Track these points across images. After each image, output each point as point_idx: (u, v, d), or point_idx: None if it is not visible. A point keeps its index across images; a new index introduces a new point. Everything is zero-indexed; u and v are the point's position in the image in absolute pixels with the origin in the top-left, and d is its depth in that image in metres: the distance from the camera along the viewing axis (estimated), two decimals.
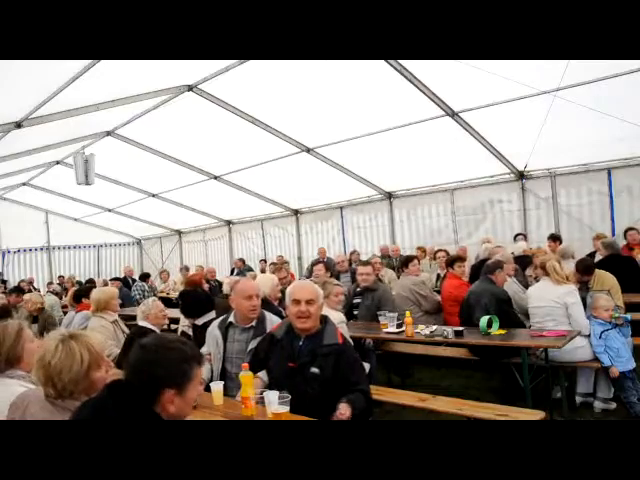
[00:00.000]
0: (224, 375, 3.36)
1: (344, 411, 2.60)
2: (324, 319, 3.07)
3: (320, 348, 2.89)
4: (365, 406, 2.79)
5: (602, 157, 8.14)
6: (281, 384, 2.69)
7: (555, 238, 7.82)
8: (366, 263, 5.91)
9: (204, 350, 3.51)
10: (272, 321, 3.42)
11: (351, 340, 3.98)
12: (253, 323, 3.39)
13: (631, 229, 7.28)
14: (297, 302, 2.97)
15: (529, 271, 6.16)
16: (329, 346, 2.90)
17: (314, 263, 6.46)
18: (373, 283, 5.53)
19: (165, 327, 6.38)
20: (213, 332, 3.51)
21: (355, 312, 5.51)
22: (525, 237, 8.73)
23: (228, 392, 3.09)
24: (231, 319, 3.46)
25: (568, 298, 4.38)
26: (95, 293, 5.07)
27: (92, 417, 1.63)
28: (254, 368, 2.90)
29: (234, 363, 3.34)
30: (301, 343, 2.96)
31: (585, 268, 5.14)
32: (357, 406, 2.68)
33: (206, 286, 7.04)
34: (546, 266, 4.58)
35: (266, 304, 3.98)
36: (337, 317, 3.89)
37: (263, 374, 3.02)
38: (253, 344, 3.28)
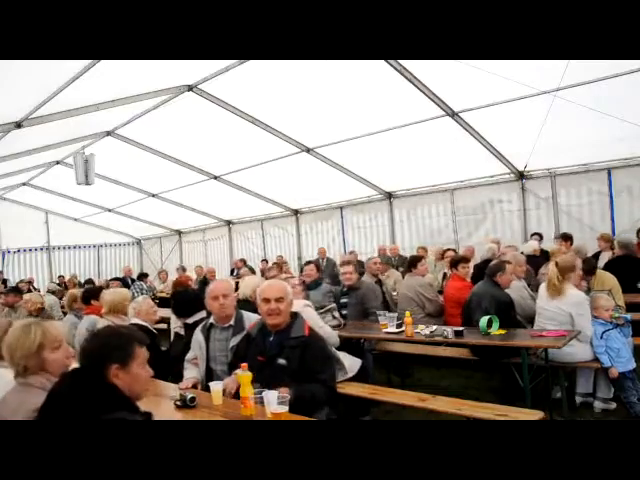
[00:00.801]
0: (210, 375, 3.46)
1: (282, 390, 2.68)
2: (294, 315, 3.24)
3: (287, 340, 3.08)
4: (323, 395, 2.97)
5: (602, 157, 8.14)
6: (253, 378, 2.77)
7: (566, 238, 7.75)
8: (347, 263, 5.99)
9: (190, 356, 3.69)
10: (249, 319, 3.56)
11: (328, 330, 4.17)
12: (231, 322, 3.55)
13: None
14: (267, 300, 3.14)
15: (543, 269, 5.92)
16: (296, 338, 3.08)
17: (305, 263, 6.50)
18: (356, 282, 5.61)
19: (164, 327, 6.37)
20: (196, 336, 3.67)
21: (344, 312, 5.54)
22: (541, 237, 8.52)
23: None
24: (212, 320, 3.63)
25: (575, 309, 4.25)
26: (109, 294, 4.73)
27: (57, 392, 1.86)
28: (235, 367, 3.04)
29: (218, 361, 3.50)
30: (272, 338, 3.15)
31: (590, 269, 5.09)
32: (306, 393, 2.84)
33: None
34: (549, 274, 4.48)
35: (247, 304, 4.21)
36: (300, 303, 4.06)
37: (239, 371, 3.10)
38: (234, 341, 3.44)
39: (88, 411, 1.72)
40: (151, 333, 4.14)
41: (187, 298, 4.65)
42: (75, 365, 2.15)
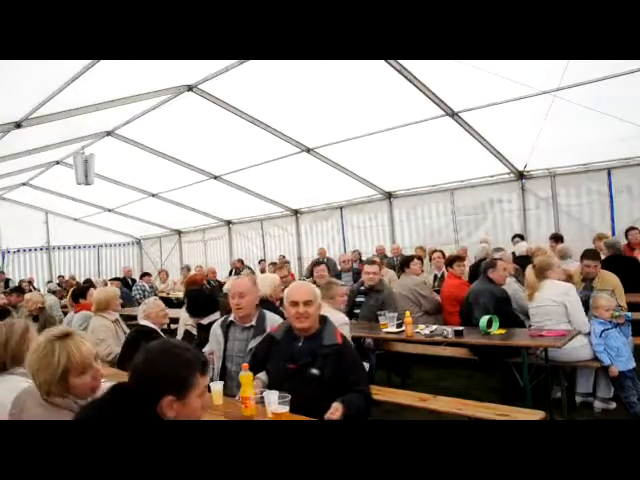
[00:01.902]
0: (224, 373, 3.38)
1: (334, 411, 2.59)
2: (323, 319, 3.07)
3: (320, 349, 2.90)
4: (364, 406, 2.79)
5: (602, 157, 8.15)
6: (281, 385, 2.67)
7: (557, 238, 7.81)
8: (373, 262, 5.79)
9: (207, 349, 3.54)
10: (272, 320, 3.43)
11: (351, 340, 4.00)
12: (253, 322, 3.40)
13: (633, 229, 7.28)
14: (295, 303, 2.98)
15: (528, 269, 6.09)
16: (329, 347, 2.90)
17: (315, 264, 6.39)
18: (379, 283, 5.45)
19: (165, 327, 6.38)
20: (215, 331, 3.53)
21: (356, 311, 5.47)
22: (522, 237, 8.70)
23: (228, 391, 3.10)
24: (232, 318, 3.49)
25: (566, 297, 4.37)
26: (97, 293, 5.08)
27: (92, 416, 1.65)
28: (253, 369, 2.90)
29: (234, 361, 3.35)
30: (300, 344, 2.96)
31: (593, 254, 5.15)
32: (352, 406, 2.67)
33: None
34: (527, 276, 4.66)
35: (267, 303, 3.99)
36: (340, 319, 3.89)
37: (263, 375, 3.03)
38: (253, 343, 3.30)
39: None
40: (158, 335, 4.16)
41: (204, 298, 4.55)
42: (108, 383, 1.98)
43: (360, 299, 5.52)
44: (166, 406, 1.65)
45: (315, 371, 2.85)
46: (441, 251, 7.92)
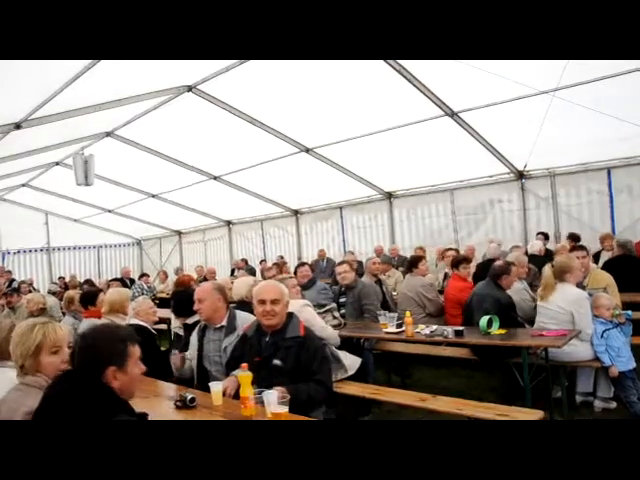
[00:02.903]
0: (205, 374, 3.50)
1: (274, 391, 2.67)
2: (289, 315, 3.25)
3: (282, 341, 3.11)
4: (321, 395, 3.00)
5: (602, 157, 8.15)
6: None
7: (574, 238, 7.76)
8: (341, 263, 6.03)
9: (188, 354, 3.72)
10: (243, 318, 3.61)
11: (329, 330, 4.19)
12: (224, 322, 3.59)
13: None
14: (262, 302, 3.17)
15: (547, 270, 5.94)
16: (291, 339, 3.11)
17: (299, 265, 6.52)
18: (352, 281, 5.62)
19: (164, 327, 6.38)
20: (193, 335, 3.73)
21: (342, 311, 5.55)
22: (546, 236, 8.53)
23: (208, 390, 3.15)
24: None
25: (576, 306, 4.26)
26: (110, 294, 4.85)
27: (52, 394, 1.86)
28: (232, 367, 3.12)
29: (212, 361, 3.54)
30: (267, 339, 3.17)
31: (580, 246, 5.18)
32: (300, 392, 2.84)
33: None
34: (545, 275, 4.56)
35: (243, 305, 4.25)
36: (299, 302, 4.11)
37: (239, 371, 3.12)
38: (226, 342, 3.49)
39: (86, 415, 1.71)
40: (150, 333, 4.15)
41: (186, 298, 4.61)
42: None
43: (343, 299, 5.67)
44: (110, 376, 1.87)
45: (277, 362, 3.05)
46: (456, 250, 7.90)
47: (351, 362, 4.16)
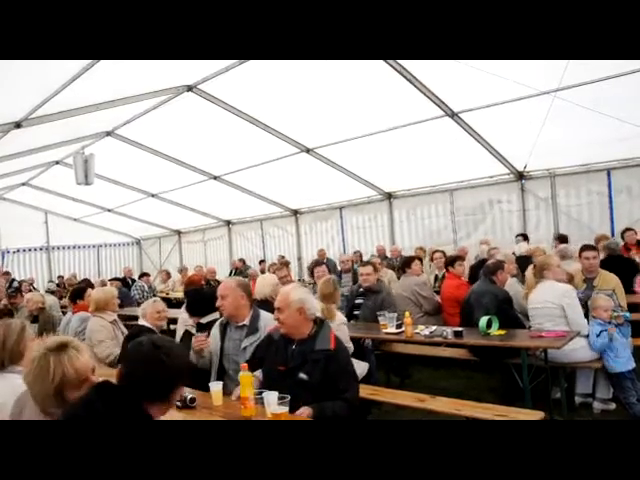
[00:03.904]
0: (222, 373, 3.42)
1: (299, 413, 2.60)
2: (320, 322, 3.03)
3: (310, 353, 2.87)
4: (345, 414, 2.74)
5: (601, 157, 8.16)
6: (272, 386, 2.68)
7: (562, 238, 7.80)
8: (367, 263, 5.86)
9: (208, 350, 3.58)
10: (266, 319, 3.46)
11: (350, 342, 4.02)
12: (246, 322, 3.45)
13: (628, 229, 7.31)
14: (276, 309, 3.02)
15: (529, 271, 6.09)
16: (320, 352, 2.87)
17: (315, 264, 6.42)
18: (375, 284, 5.47)
19: (164, 328, 6.37)
20: (214, 330, 3.59)
21: (356, 312, 5.49)
22: (525, 237, 8.67)
23: (225, 389, 3.10)
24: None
25: (564, 299, 4.35)
26: (95, 293, 5.04)
27: (80, 415, 1.67)
28: (253, 366, 2.93)
29: (230, 360, 3.41)
30: (294, 347, 2.95)
31: (591, 246, 5.28)
32: (325, 412, 2.67)
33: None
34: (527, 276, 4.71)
35: (265, 304, 4.04)
36: (338, 319, 3.93)
37: (259, 373, 3.07)
38: (246, 342, 3.36)
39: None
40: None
41: (201, 297, 4.56)
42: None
43: (359, 300, 5.55)
44: (173, 398, 1.77)
45: (303, 376, 2.83)
46: (442, 251, 7.91)
47: (358, 367, 4.14)
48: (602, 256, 6.16)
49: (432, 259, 8.00)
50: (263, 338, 3.25)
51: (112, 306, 4.87)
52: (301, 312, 2.95)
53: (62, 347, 1.97)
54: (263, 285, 4.61)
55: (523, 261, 6.39)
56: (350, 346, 4.01)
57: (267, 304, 4.09)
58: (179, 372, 1.77)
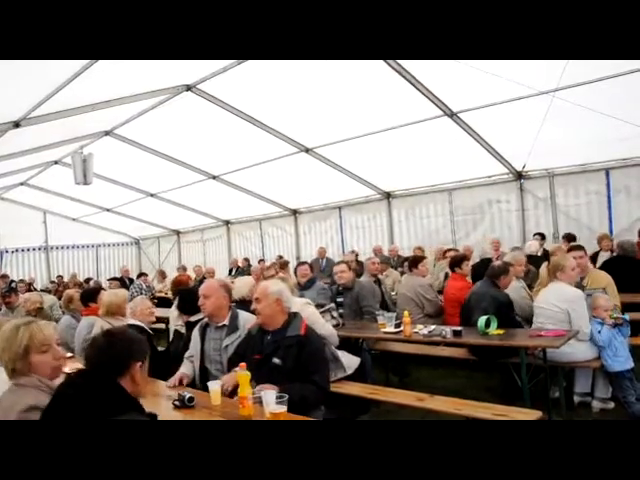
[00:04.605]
0: (206, 374, 3.48)
1: (262, 388, 2.71)
2: (293, 314, 3.25)
3: (283, 340, 3.10)
4: (314, 396, 2.95)
5: (600, 157, 8.17)
6: (250, 375, 2.78)
7: (570, 238, 7.79)
8: (339, 262, 6.00)
9: (188, 353, 3.70)
10: (245, 318, 3.59)
11: (330, 328, 4.19)
12: (225, 321, 3.56)
13: None
14: (255, 299, 3.24)
15: (543, 268, 5.94)
16: (291, 337, 3.09)
17: (298, 264, 6.52)
18: (350, 282, 5.59)
19: (159, 327, 6.36)
20: (194, 334, 3.70)
21: (340, 311, 5.54)
22: (542, 236, 8.57)
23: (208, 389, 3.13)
24: (206, 319, 3.66)
25: (571, 304, 4.27)
26: (107, 296, 4.72)
27: (68, 394, 1.83)
28: (235, 363, 3.09)
29: (212, 360, 3.52)
30: (269, 337, 3.18)
31: (577, 246, 5.20)
32: (292, 393, 2.70)
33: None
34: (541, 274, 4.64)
35: (243, 304, 4.23)
36: (300, 301, 4.12)
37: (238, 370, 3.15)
38: (227, 341, 3.48)
39: (98, 413, 1.70)
40: (146, 333, 4.13)
41: (193, 296, 4.60)
42: (75, 365, 2.14)
43: (340, 299, 5.64)
44: (135, 372, 1.89)
45: (277, 360, 3.05)
46: (456, 249, 7.91)
47: (348, 360, 4.17)
48: (616, 254, 6.11)
49: (444, 257, 7.99)
50: (244, 337, 3.40)
51: (123, 311, 4.54)
52: (278, 303, 3.18)
53: (30, 321, 2.32)
54: (241, 286, 4.71)
55: (533, 260, 6.36)
56: (329, 330, 4.11)
57: (245, 304, 4.21)
58: (127, 348, 1.94)
